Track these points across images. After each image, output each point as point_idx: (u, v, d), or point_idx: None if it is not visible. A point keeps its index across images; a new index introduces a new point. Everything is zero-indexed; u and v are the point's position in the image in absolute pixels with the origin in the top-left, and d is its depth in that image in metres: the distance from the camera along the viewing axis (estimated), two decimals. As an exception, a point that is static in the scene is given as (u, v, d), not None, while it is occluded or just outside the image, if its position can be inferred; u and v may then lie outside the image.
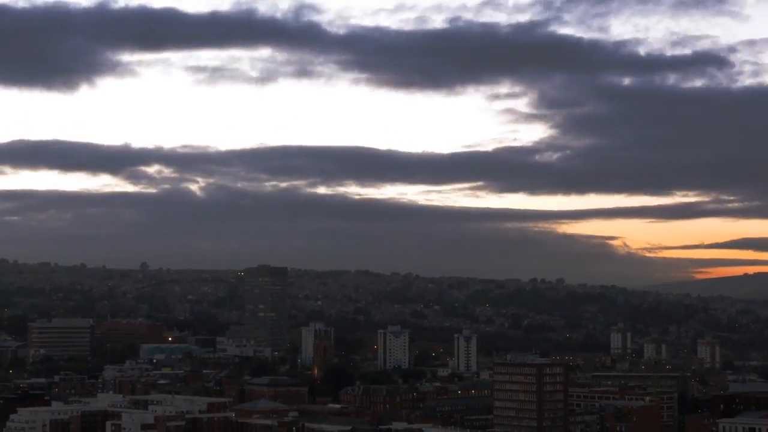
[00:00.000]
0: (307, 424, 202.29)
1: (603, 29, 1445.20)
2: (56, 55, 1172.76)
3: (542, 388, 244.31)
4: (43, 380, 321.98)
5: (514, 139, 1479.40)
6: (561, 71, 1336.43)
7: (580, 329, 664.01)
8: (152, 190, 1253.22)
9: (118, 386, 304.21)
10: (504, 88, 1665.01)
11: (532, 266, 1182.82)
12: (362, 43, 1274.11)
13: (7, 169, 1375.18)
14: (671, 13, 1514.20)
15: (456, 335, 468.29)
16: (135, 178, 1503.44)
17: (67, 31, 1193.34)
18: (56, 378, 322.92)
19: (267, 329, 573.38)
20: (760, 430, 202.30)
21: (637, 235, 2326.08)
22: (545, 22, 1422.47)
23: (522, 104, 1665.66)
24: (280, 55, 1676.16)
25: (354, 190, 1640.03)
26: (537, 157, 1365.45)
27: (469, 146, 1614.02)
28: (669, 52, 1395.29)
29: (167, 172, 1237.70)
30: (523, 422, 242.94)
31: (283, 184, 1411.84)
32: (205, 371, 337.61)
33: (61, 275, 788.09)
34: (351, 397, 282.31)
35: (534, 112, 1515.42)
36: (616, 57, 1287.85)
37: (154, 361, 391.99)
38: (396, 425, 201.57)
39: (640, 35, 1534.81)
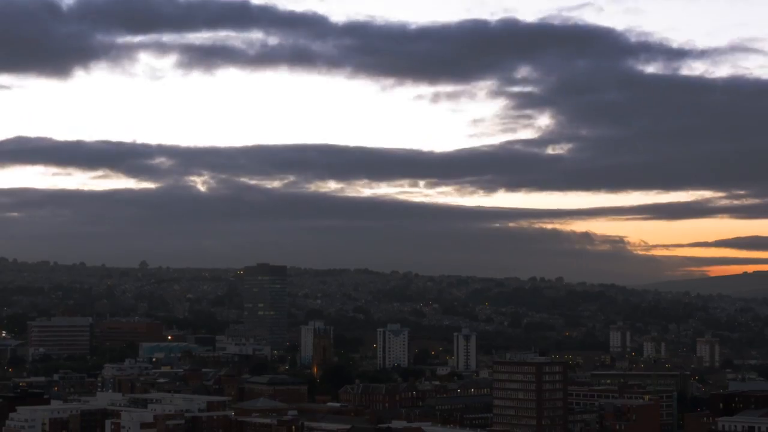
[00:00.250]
0: (306, 423, 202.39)
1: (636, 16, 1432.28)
2: (49, 40, 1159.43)
3: (541, 386, 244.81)
4: (42, 379, 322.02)
5: (521, 129, 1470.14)
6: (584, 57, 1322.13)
7: (580, 328, 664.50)
8: (151, 185, 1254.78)
9: (118, 385, 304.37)
10: (521, 74, 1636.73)
11: (531, 265, 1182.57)
12: (364, 30, 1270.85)
13: (6, 165, 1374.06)
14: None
15: (455, 334, 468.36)
16: (135, 174, 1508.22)
17: (59, 16, 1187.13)
18: (55, 377, 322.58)
19: (266, 328, 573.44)
20: (759, 428, 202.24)
21: (637, 234, 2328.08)
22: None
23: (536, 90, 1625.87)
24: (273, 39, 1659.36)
25: (353, 189, 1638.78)
26: (541, 152, 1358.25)
27: (474, 135, 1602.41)
28: (700, 43, 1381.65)
29: (166, 169, 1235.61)
30: (522, 421, 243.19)
31: (283, 183, 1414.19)
32: (204, 370, 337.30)
33: (61, 274, 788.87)
34: (350, 395, 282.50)
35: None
36: (645, 45, 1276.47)
37: (154, 359, 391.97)
38: (395, 424, 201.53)
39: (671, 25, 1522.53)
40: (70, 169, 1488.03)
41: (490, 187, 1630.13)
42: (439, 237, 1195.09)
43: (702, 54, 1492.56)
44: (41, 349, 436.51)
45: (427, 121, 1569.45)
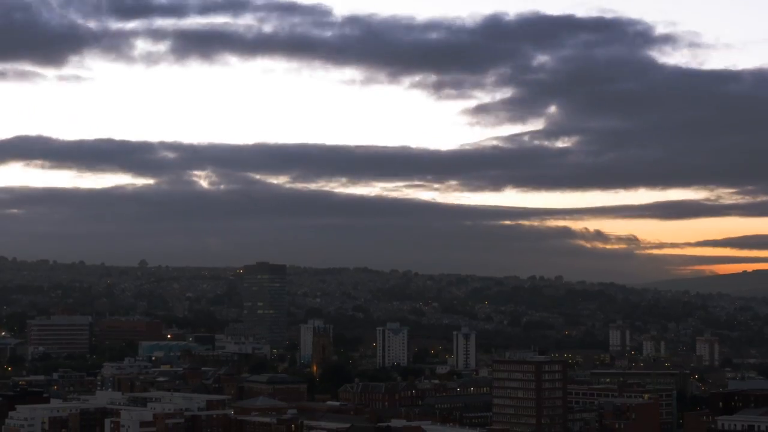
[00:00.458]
0: (305, 422, 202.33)
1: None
2: (41, 28, 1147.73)
3: (541, 385, 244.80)
4: (42, 377, 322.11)
5: (523, 125, 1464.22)
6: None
7: (579, 327, 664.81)
8: (150, 181, 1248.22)
9: (117, 384, 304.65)
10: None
11: (531, 264, 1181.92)
12: (364, 23, 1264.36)
13: (4, 162, 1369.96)
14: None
15: (455, 332, 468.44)
16: (134, 172, 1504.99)
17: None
18: (55, 375, 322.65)
19: (266, 326, 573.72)
20: (758, 427, 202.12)
21: (636, 234, 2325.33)
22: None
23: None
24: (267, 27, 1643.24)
25: (353, 188, 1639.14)
26: (541, 149, 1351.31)
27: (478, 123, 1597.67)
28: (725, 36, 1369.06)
29: (165, 168, 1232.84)
30: (521, 419, 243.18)
31: (283, 182, 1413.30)
32: (204, 369, 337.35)
33: (60, 272, 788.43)
34: (350, 394, 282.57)
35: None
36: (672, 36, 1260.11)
37: (153, 358, 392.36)
38: (395, 423, 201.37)
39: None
40: (69, 164, 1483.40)
41: (492, 185, 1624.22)
42: (438, 235, 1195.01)
43: (727, 47, 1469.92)
44: (41, 348, 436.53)
45: (428, 118, 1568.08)
